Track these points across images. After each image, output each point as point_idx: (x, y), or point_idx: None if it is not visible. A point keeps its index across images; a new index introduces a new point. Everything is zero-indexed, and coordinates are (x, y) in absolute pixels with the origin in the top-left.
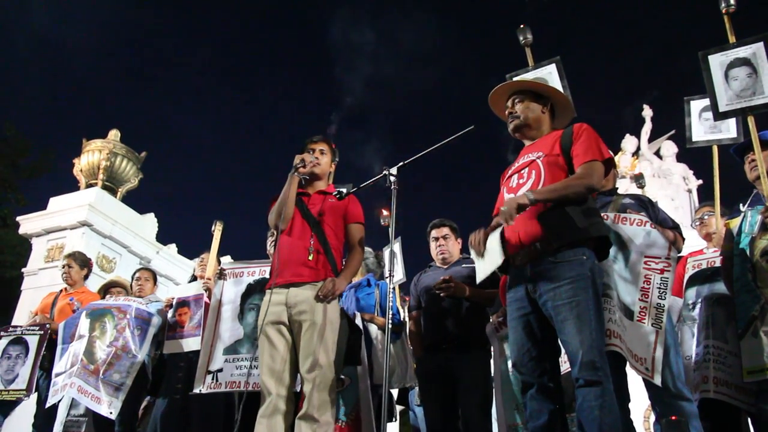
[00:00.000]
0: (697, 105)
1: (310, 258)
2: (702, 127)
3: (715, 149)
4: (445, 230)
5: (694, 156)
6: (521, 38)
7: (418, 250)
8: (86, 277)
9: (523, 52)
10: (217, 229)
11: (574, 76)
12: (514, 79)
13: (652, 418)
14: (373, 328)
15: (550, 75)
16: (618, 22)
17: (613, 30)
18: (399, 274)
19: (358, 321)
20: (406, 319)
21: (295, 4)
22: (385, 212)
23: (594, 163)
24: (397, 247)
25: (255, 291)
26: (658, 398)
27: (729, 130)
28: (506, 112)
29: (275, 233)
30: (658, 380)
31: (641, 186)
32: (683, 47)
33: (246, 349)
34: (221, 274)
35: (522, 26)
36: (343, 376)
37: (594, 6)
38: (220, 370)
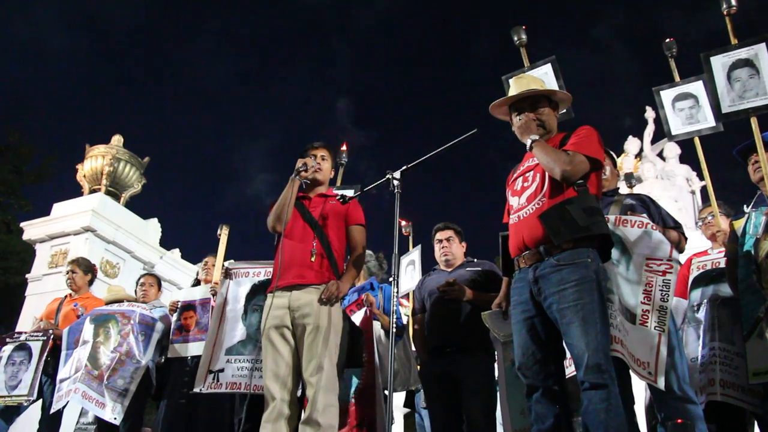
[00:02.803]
0: (668, 95)
1: (313, 260)
2: (678, 119)
3: (697, 141)
4: (449, 233)
5: (697, 157)
6: (515, 39)
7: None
8: (91, 282)
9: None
10: (224, 233)
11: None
12: (511, 81)
13: None
14: (376, 331)
15: (546, 75)
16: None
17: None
18: (416, 282)
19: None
20: (408, 321)
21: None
22: (403, 222)
23: (577, 155)
24: (416, 254)
25: (259, 292)
26: (663, 401)
27: (706, 119)
28: (530, 117)
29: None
30: (661, 384)
31: (631, 185)
32: (685, 48)
33: (249, 350)
34: (227, 274)
35: (516, 26)
36: None
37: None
38: (222, 370)
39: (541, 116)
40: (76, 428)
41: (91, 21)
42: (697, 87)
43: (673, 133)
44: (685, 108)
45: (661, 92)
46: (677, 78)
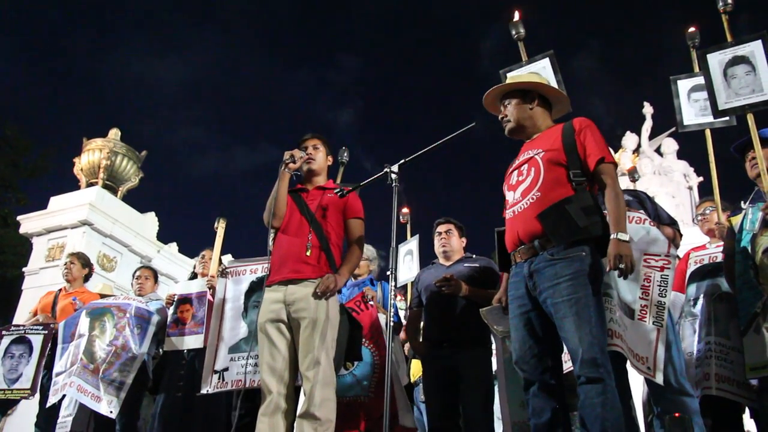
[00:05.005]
0: (684, 85)
1: (308, 254)
2: (692, 110)
3: (708, 133)
4: (450, 226)
5: (694, 153)
6: (513, 32)
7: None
8: (87, 278)
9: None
10: (220, 226)
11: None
12: (508, 75)
13: None
14: (383, 323)
15: (543, 69)
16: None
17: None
18: (414, 272)
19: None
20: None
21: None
22: (405, 209)
23: (611, 166)
24: (414, 244)
25: (258, 289)
26: (660, 395)
27: None
28: (499, 117)
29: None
30: (660, 379)
31: (634, 180)
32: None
33: (251, 347)
34: (223, 273)
35: (514, 20)
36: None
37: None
38: (226, 369)
39: (506, 109)
40: (58, 424)
41: (92, 14)
42: None
43: (685, 123)
44: (700, 99)
45: (678, 81)
46: (696, 69)
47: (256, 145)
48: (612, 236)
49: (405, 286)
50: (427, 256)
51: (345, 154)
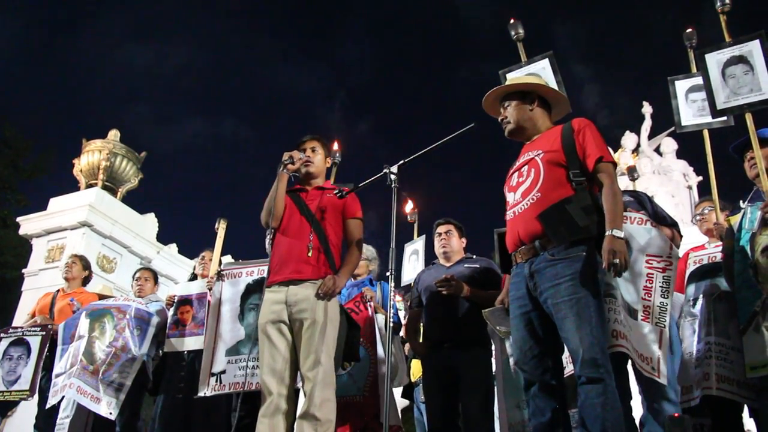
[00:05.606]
0: (682, 85)
1: (310, 254)
2: (690, 110)
3: (706, 133)
4: (449, 227)
5: (694, 152)
6: (513, 33)
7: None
8: (85, 281)
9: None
10: (221, 227)
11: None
12: (508, 76)
13: None
14: (379, 324)
15: (543, 70)
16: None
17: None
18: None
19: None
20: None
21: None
22: (413, 208)
23: (609, 165)
24: (420, 244)
25: (255, 291)
26: (647, 395)
27: None
28: (499, 119)
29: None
30: (664, 380)
31: (633, 179)
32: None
33: (248, 349)
34: (219, 275)
35: (513, 21)
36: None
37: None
38: (224, 372)
39: (506, 111)
40: (56, 425)
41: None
42: None
43: (683, 124)
44: (698, 100)
45: (676, 82)
46: (694, 69)
47: (258, 143)
48: (607, 233)
49: (409, 286)
50: (431, 257)
51: (337, 155)
